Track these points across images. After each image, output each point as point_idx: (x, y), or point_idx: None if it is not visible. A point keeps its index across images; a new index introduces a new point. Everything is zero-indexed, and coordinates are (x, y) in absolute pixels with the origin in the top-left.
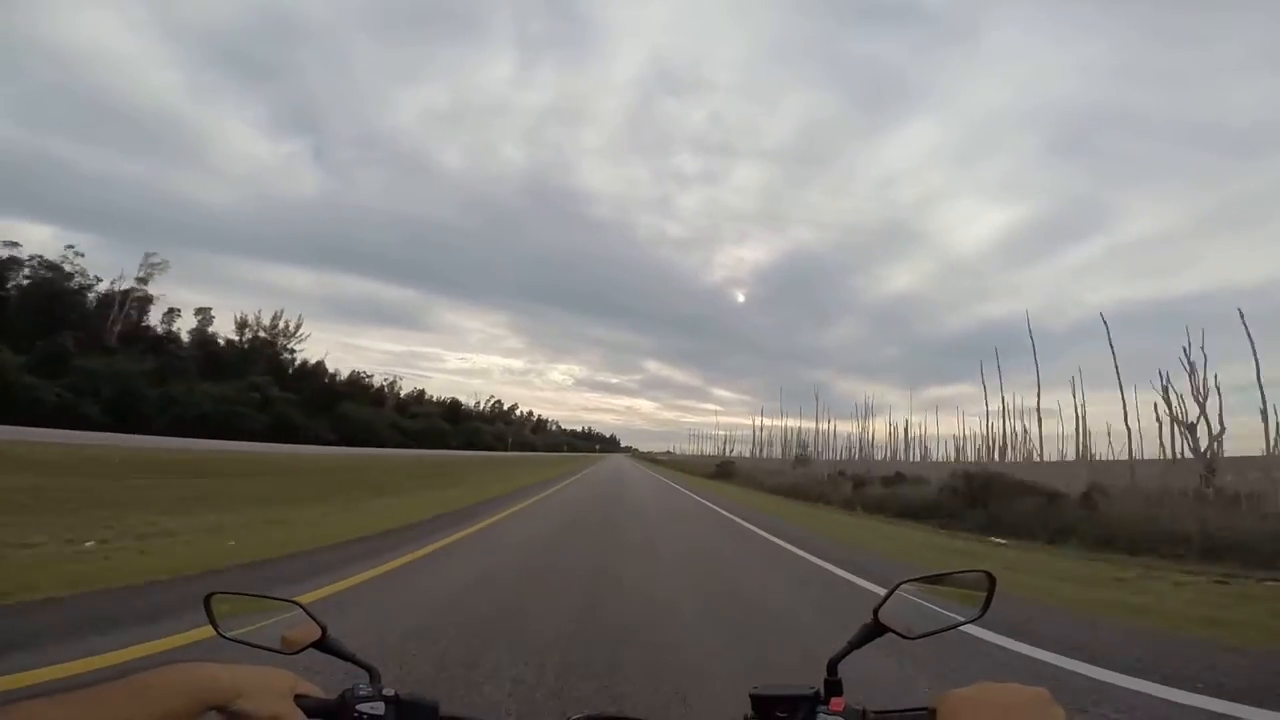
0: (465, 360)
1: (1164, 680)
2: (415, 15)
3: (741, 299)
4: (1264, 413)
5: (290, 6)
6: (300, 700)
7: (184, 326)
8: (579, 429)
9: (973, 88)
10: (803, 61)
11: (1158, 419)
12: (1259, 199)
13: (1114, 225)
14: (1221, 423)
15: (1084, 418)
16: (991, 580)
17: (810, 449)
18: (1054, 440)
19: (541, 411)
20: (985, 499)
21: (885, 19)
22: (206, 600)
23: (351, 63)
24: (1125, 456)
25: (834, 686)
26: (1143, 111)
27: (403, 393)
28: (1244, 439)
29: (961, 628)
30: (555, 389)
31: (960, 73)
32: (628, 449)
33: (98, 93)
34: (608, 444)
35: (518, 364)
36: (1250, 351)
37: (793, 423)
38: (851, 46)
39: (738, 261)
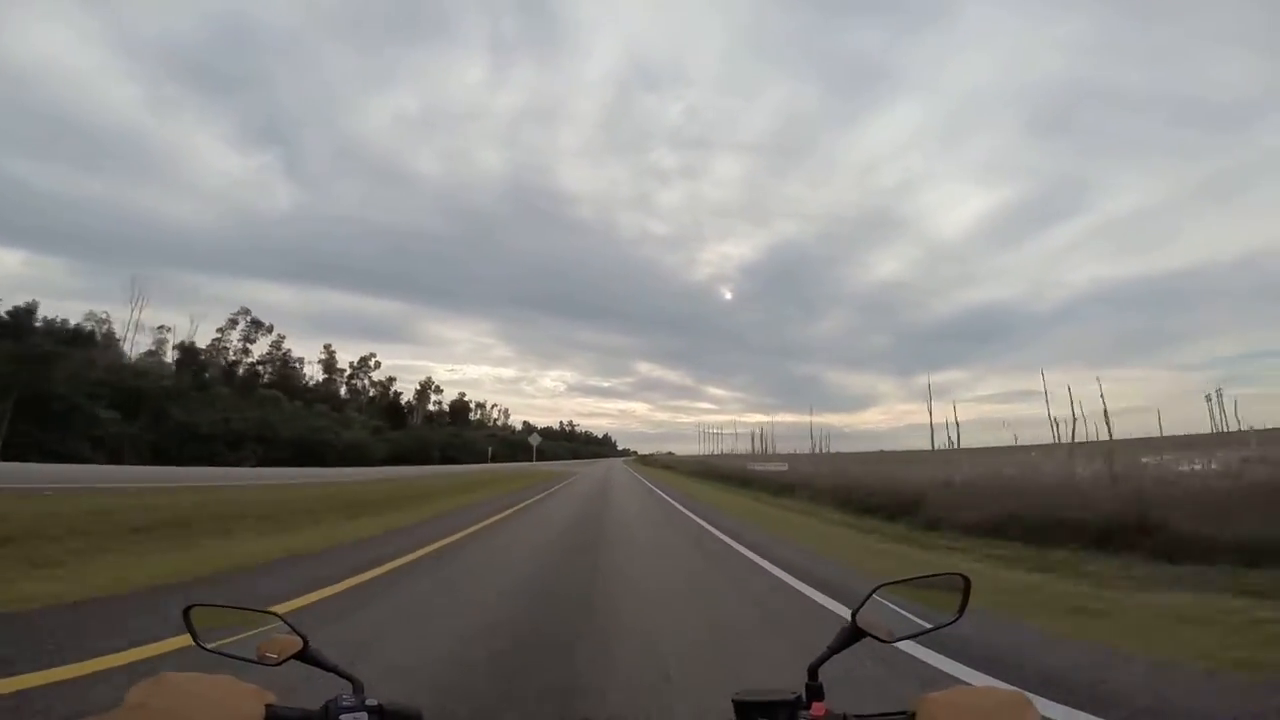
0: (455, 371)
1: None
2: (382, 20)
3: (729, 296)
4: None
5: (251, 15)
6: (280, 711)
7: None
8: (556, 427)
9: (952, 68)
10: (779, 49)
11: None
12: (1239, 172)
13: (1098, 203)
14: None
15: None
16: (967, 583)
17: None
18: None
19: (536, 419)
20: None
21: (862, 2)
22: (185, 612)
23: (319, 71)
24: None
25: (815, 691)
26: (1124, 88)
27: None
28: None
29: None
30: (548, 396)
31: (938, 54)
32: (626, 452)
33: (56, 110)
34: (600, 446)
35: (508, 373)
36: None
37: (789, 418)
38: (828, 32)
39: (723, 258)
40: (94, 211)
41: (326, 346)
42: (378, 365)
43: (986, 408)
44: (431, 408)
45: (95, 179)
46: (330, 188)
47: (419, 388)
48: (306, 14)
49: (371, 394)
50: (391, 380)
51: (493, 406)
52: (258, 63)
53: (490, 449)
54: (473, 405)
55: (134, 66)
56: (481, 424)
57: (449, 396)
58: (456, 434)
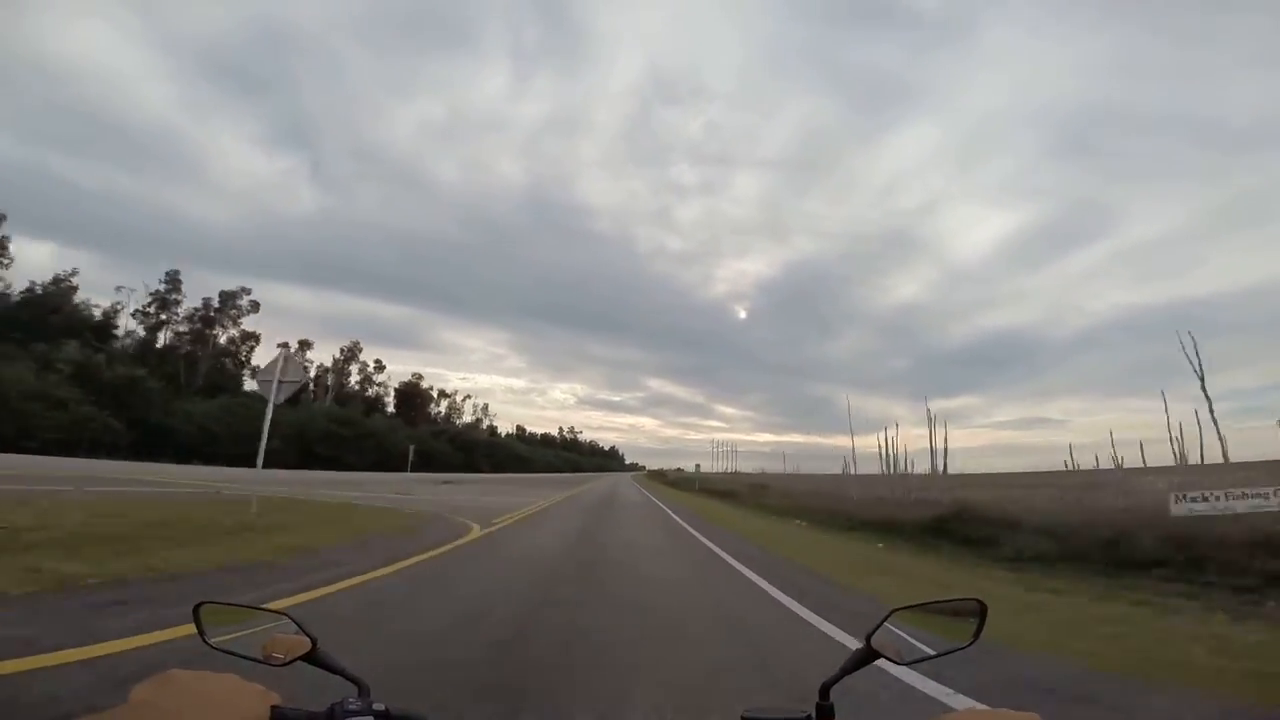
0: (467, 380)
1: None
2: (409, 28)
3: (744, 314)
4: None
5: (282, 20)
6: (285, 713)
7: None
8: (556, 435)
9: (972, 90)
10: (799, 67)
11: None
12: (1262, 196)
13: (1117, 228)
14: None
15: None
16: (983, 608)
17: None
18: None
19: (541, 429)
20: None
21: (881, 21)
22: (195, 610)
23: (346, 78)
24: None
25: (826, 711)
26: (1143, 110)
27: None
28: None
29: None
30: (558, 408)
31: (958, 74)
32: (633, 466)
33: (93, 109)
34: (605, 459)
35: (519, 383)
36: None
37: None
38: (848, 50)
39: (739, 275)
40: (126, 208)
41: (170, 273)
42: (253, 308)
43: (1002, 434)
44: (370, 392)
45: (130, 177)
46: (352, 193)
47: (337, 358)
48: (334, 21)
49: (235, 349)
50: (307, 345)
51: (465, 399)
52: (287, 67)
53: (414, 448)
54: (434, 393)
55: (171, 67)
56: (448, 419)
57: (429, 388)
58: (347, 420)
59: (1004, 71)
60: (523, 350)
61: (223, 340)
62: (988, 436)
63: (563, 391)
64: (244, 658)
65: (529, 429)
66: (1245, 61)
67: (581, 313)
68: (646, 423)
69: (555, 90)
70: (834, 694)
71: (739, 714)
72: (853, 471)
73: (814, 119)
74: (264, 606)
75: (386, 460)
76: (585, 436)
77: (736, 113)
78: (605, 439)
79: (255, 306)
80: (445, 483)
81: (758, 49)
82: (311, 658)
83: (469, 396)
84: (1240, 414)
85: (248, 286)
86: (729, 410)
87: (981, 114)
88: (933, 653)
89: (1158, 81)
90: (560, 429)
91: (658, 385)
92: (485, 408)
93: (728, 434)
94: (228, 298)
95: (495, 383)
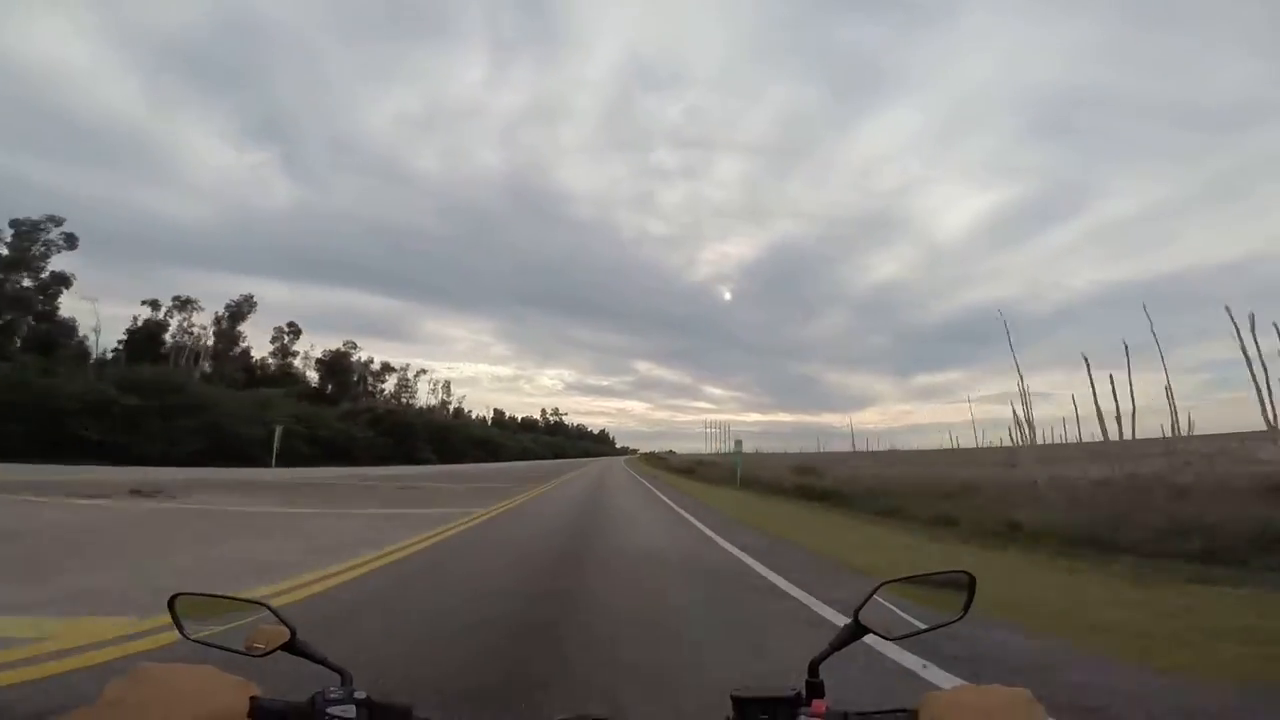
0: (452, 370)
1: None
2: (383, 18)
3: (728, 296)
4: None
5: (250, 10)
6: (265, 704)
7: None
8: (538, 419)
9: (952, 70)
10: (779, 50)
11: None
12: (1238, 175)
13: (1096, 206)
14: None
15: None
16: (971, 580)
17: None
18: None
19: (526, 414)
20: None
21: (863, 2)
22: (171, 602)
23: (319, 69)
24: None
25: (816, 688)
26: (1125, 91)
27: None
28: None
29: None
30: (546, 394)
31: (939, 55)
32: (625, 450)
33: (50, 104)
34: (596, 443)
35: (506, 371)
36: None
37: (786, 417)
38: (828, 32)
39: (722, 257)
40: (94, 208)
41: None
42: (69, 243)
43: (986, 408)
44: (286, 362)
45: (94, 175)
46: (329, 186)
47: (220, 315)
48: (306, 9)
49: (34, 297)
50: (188, 303)
51: (419, 374)
52: (257, 59)
53: (280, 428)
54: (375, 364)
55: (131, 61)
56: (398, 396)
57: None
58: (144, 384)
59: (984, 53)
60: (509, 338)
61: (27, 284)
62: (973, 411)
63: (550, 378)
64: (225, 650)
65: (519, 416)
66: (1224, 44)
67: (567, 298)
68: (636, 406)
69: (534, 78)
70: (823, 671)
71: (729, 693)
72: (1035, 440)
73: (795, 102)
74: (240, 596)
75: (228, 445)
76: (572, 419)
77: (717, 97)
78: (595, 423)
79: (71, 241)
80: (152, 491)
81: (738, 33)
82: (291, 647)
83: (424, 371)
84: (1216, 385)
85: (59, 216)
86: (717, 391)
87: (961, 95)
88: (923, 626)
89: (1137, 63)
90: (543, 411)
91: (646, 368)
92: (448, 386)
93: (716, 414)
94: (26, 230)
95: (482, 371)
